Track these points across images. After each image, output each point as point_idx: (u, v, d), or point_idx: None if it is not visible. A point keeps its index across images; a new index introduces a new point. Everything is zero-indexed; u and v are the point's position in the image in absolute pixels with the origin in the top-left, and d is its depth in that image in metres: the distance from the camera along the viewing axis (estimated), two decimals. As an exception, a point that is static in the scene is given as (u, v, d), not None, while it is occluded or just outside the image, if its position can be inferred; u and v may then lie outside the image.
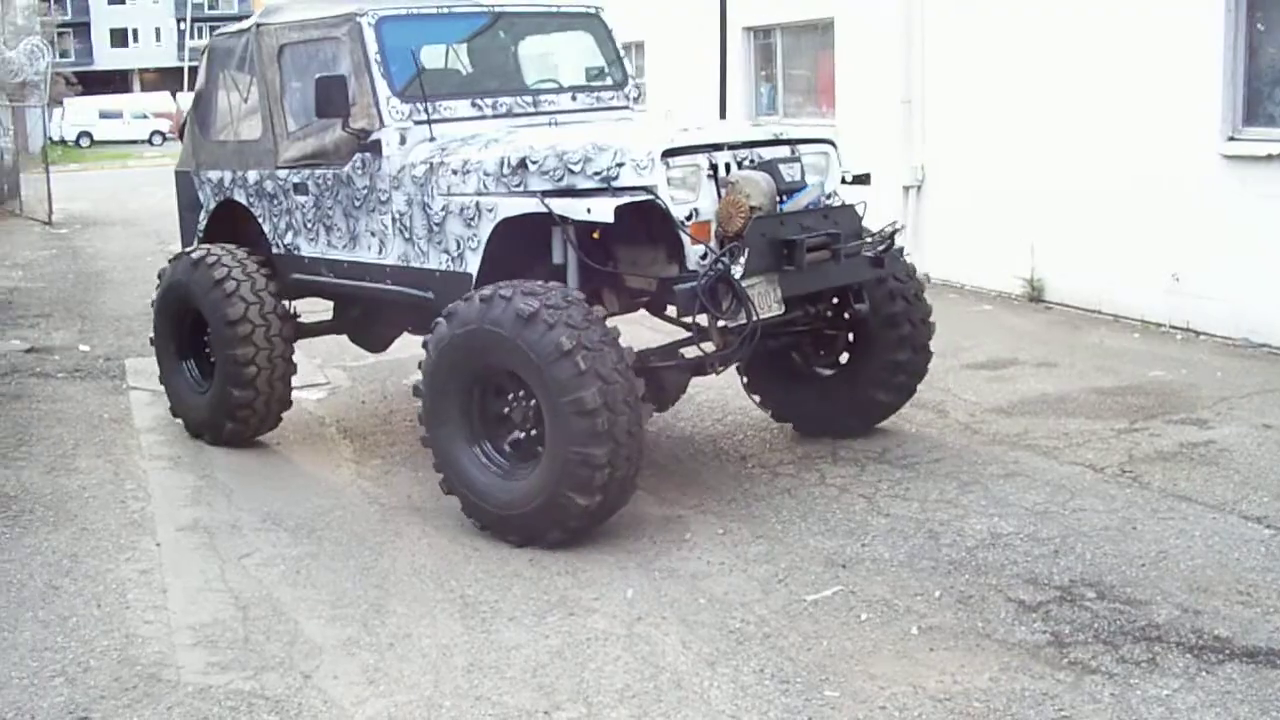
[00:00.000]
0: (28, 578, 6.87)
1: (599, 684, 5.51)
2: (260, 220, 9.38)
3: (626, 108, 9.34)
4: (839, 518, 7.41)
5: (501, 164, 7.64)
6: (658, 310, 8.37)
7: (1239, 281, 11.19)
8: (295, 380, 9.26)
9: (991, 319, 12.92)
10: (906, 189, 15.09)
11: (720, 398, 9.97)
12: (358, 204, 8.51)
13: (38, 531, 7.56)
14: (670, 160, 7.22)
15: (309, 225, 8.94)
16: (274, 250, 9.29)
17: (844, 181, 8.19)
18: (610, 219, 7.06)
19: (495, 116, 8.54)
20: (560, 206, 7.30)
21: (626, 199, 7.09)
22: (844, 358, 8.79)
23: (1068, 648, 5.70)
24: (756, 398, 9.18)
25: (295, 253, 9.13)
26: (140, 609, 6.44)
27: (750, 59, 18.43)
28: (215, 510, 7.91)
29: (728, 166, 7.49)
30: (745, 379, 9.12)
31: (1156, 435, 8.72)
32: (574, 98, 9.11)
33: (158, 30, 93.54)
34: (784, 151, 7.82)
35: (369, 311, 9.76)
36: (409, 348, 9.91)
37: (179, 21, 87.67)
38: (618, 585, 6.55)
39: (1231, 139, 11.29)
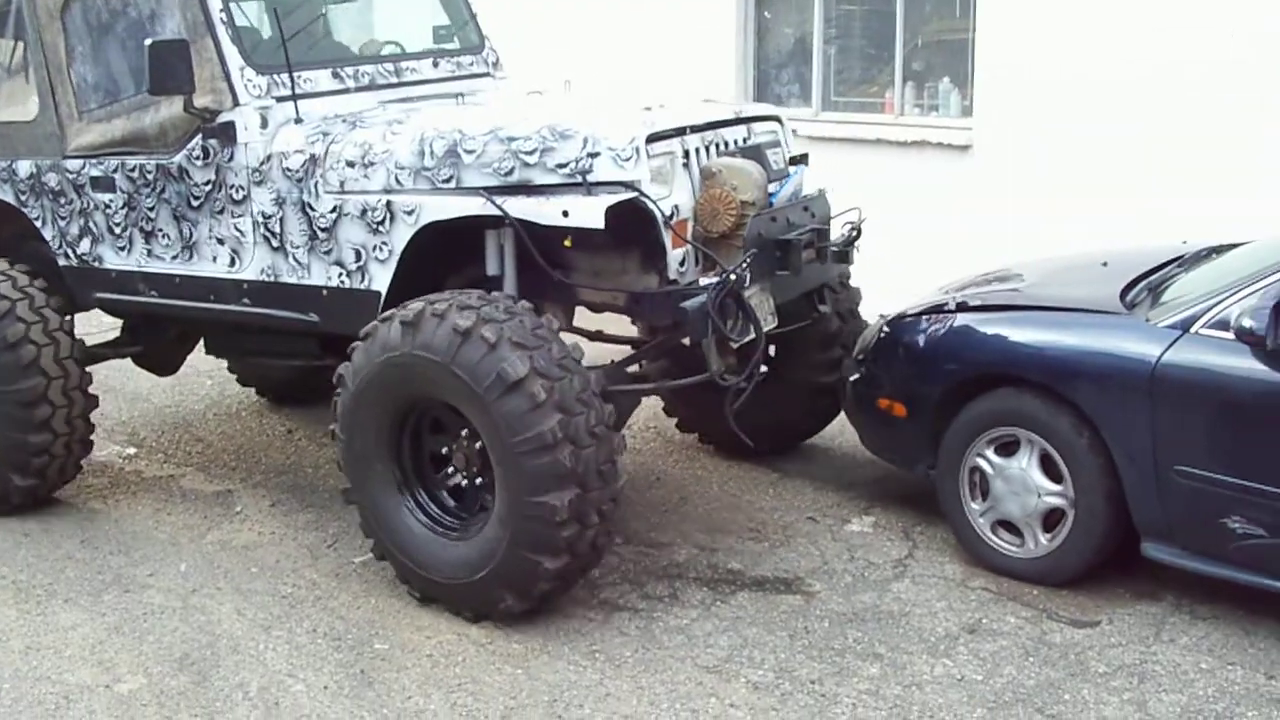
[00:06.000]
0: None
1: (158, 655, 5.71)
2: (39, 224, 7.49)
3: (488, 75, 7.80)
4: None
5: (422, 153, 6.18)
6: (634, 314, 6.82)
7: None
8: None
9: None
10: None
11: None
12: (195, 203, 6.80)
13: None
14: (650, 148, 5.95)
15: (116, 230, 7.15)
16: (63, 262, 7.45)
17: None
18: (600, 224, 5.73)
19: (358, 90, 6.99)
20: (520, 209, 5.92)
21: (613, 197, 5.77)
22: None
23: (598, 589, 6.22)
24: (686, 427, 8.10)
25: (96, 264, 7.30)
26: None
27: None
28: None
29: (697, 152, 6.29)
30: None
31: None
32: (435, 64, 7.54)
33: None
34: (742, 131, 6.68)
35: (186, 335, 8.11)
36: None
37: None
38: (171, 561, 6.72)
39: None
